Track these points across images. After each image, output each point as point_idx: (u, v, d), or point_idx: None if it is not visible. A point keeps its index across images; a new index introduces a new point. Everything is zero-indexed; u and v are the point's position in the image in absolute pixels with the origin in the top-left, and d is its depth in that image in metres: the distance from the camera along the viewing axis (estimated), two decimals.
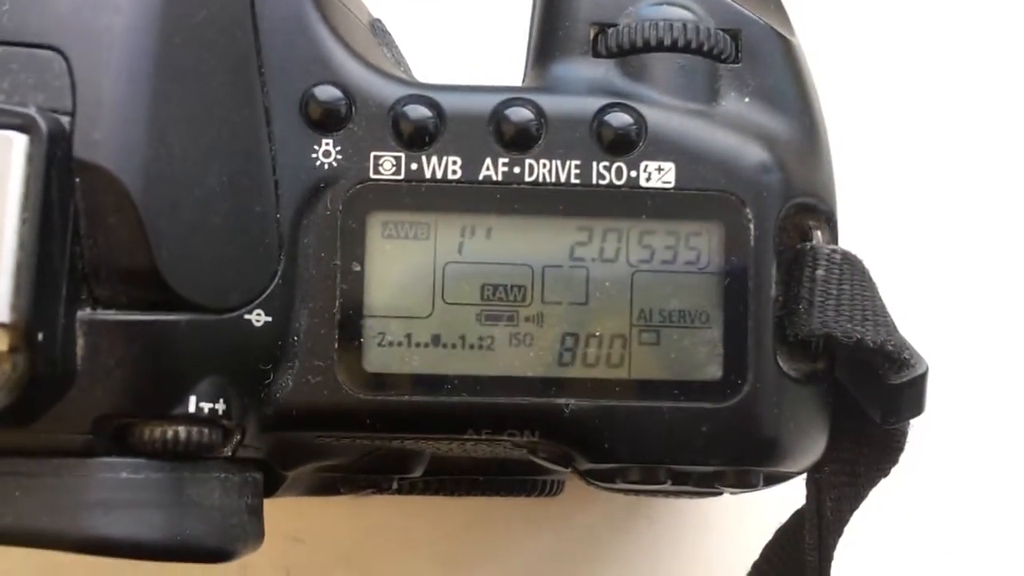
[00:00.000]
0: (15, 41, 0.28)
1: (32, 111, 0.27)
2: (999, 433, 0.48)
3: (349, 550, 0.47)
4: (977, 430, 0.47)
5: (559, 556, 0.48)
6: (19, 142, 0.27)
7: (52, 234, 0.27)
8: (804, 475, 0.34)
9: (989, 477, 0.47)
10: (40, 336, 0.27)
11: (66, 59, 0.28)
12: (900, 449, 0.35)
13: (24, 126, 0.27)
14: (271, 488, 0.34)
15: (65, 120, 0.28)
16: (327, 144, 0.32)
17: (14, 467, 0.28)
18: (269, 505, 0.33)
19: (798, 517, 0.38)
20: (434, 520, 0.47)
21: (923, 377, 0.33)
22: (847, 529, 0.35)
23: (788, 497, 0.36)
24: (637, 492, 0.34)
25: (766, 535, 0.38)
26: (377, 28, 0.37)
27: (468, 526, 0.47)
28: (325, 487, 0.39)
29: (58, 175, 0.27)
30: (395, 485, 0.38)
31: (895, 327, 0.33)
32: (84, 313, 0.29)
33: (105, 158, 0.28)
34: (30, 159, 0.27)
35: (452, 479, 0.41)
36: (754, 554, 0.38)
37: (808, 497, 0.36)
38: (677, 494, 0.35)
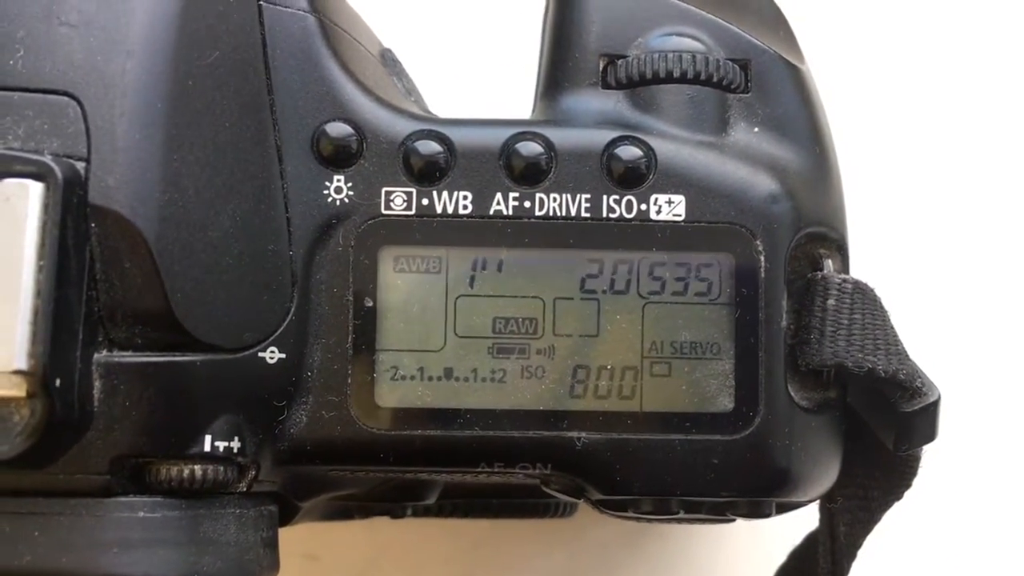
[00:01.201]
0: (30, 87, 0.28)
1: (48, 159, 0.27)
2: (1014, 458, 0.47)
3: (364, 568, 0.47)
4: (990, 455, 0.47)
5: (573, 573, 0.48)
6: (35, 190, 0.27)
7: (68, 280, 0.28)
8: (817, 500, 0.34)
9: (1003, 500, 0.47)
10: (57, 382, 0.27)
11: (80, 105, 0.28)
12: (913, 475, 0.35)
13: (40, 174, 0.27)
14: (286, 518, 0.35)
15: (80, 166, 0.28)
16: (339, 180, 0.32)
17: (33, 507, 0.29)
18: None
19: (811, 541, 0.38)
20: (449, 538, 0.47)
21: (935, 405, 0.33)
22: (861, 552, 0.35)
23: (802, 516, 0.36)
24: (650, 520, 0.34)
25: (779, 552, 0.38)
26: (387, 58, 0.37)
27: (482, 544, 0.47)
28: (339, 513, 0.39)
29: (74, 221, 0.28)
30: (409, 512, 0.38)
31: (907, 355, 0.33)
32: (101, 356, 0.29)
33: (120, 203, 0.28)
34: (46, 207, 0.27)
35: (465, 502, 0.41)
36: (767, 571, 0.38)
37: (821, 522, 0.36)
38: (690, 522, 0.35)
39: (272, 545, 0.32)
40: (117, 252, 0.28)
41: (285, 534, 0.36)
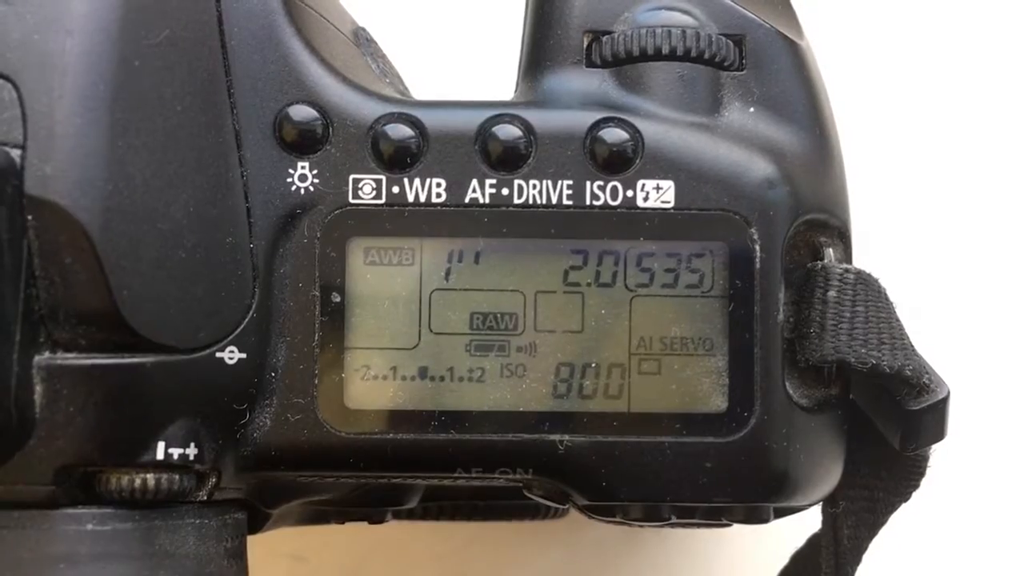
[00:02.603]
0: None
1: None
2: None
3: (354, 569, 0.46)
4: (1000, 453, 0.46)
5: (568, 573, 0.47)
6: None
7: (3, 277, 0.26)
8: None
9: (1014, 501, 0.46)
10: None
11: (15, 87, 0.27)
12: (921, 475, 0.33)
13: None
14: (256, 525, 0.33)
15: (15, 153, 0.26)
16: (303, 168, 0.30)
17: None
18: None
19: (814, 543, 0.37)
20: (440, 537, 0.46)
21: (944, 402, 0.31)
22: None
23: (807, 514, 0.34)
24: (640, 525, 0.33)
25: (782, 551, 0.37)
26: (361, 37, 0.35)
27: (475, 542, 0.46)
28: (316, 517, 0.38)
29: (8, 213, 0.26)
30: (389, 518, 0.37)
31: (913, 350, 0.31)
32: (42, 358, 0.27)
33: (59, 193, 0.27)
34: None
35: (451, 504, 0.40)
36: (769, 570, 0.37)
37: (824, 524, 0.35)
38: (683, 526, 0.34)
39: (238, 555, 0.31)
40: (57, 246, 0.27)
41: (271, 535, 0.35)
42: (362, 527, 0.43)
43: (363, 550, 0.46)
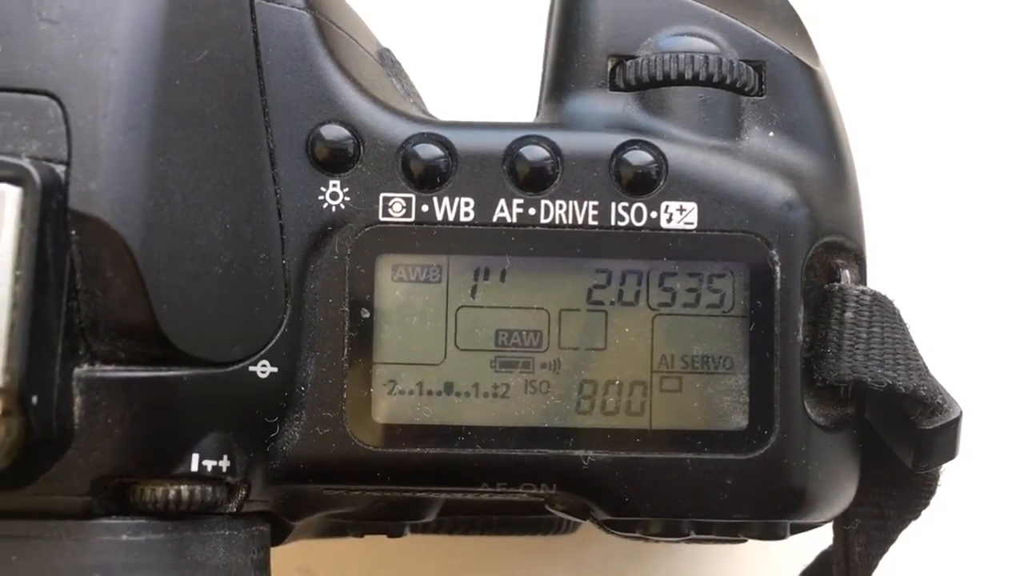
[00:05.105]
0: (8, 87, 0.27)
1: (25, 162, 0.26)
2: None
3: None
4: (1011, 472, 0.46)
5: None
6: (11, 195, 0.26)
7: (47, 291, 0.26)
8: None
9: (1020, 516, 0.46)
10: (35, 399, 0.26)
11: (61, 105, 0.27)
12: (932, 493, 0.34)
13: (17, 178, 0.26)
14: (279, 537, 0.33)
15: (60, 170, 0.27)
16: (335, 185, 0.31)
17: (9, 530, 0.27)
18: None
19: (824, 559, 0.37)
20: (449, 552, 0.46)
21: (957, 422, 0.32)
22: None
23: (816, 531, 0.34)
24: (658, 540, 0.33)
25: (789, 566, 0.37)
26: (386, 58, 0.36)
27: (484, 557, 0.46)
28: (334, 530, 0.38)
29: (52, 228, 0.26)
30: (407, 532, 0.37)
31: (927, 370, 0.32)
32: (81, 370, 0.28)
33: (102, 209, 0.27)
34: (23, 213, 0.26)
35: (466, 519, 0.40)
36: None
37: (835, 540, 0.35)
38: (700, 542, 0.34)
39: (263, 567, 0.31)
40: (99, 261, 0.27)
41: (279, 548, 0.35)
42: (370, 540, 0.43)
43: (370, 564, 0.46)
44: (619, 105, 0.32)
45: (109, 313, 0.28)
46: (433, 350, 0.31)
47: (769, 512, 0.31)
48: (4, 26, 0.27)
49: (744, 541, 0.33)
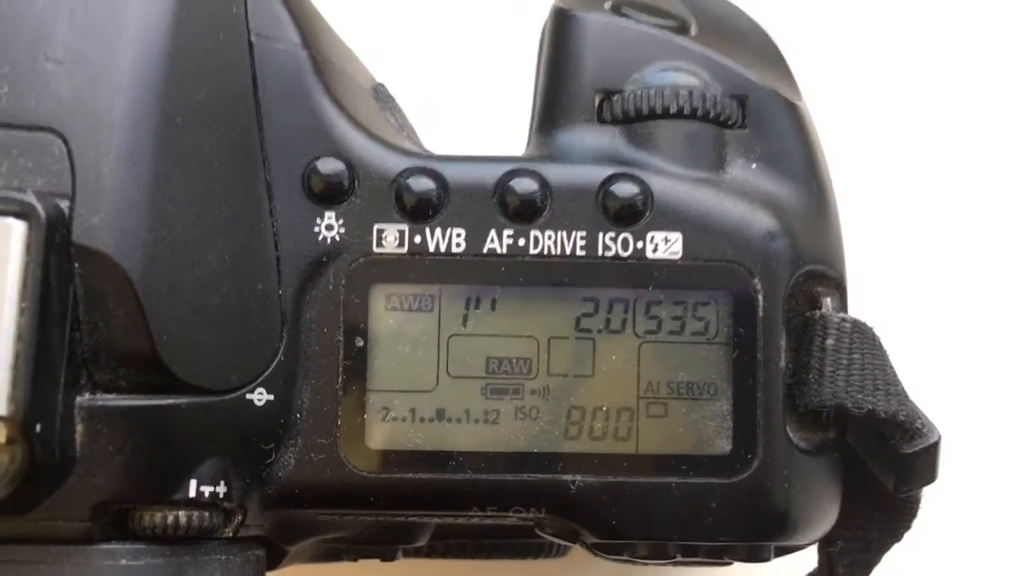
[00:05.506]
0: (14, 124, 0.28)
1: (30, 197, 0.27)
2: (1014, 499, 0.47)
3: None
4: (989, 495, 0.47)
5: None
6: (17, 229, 0.26)
7: (51, 322, 0.27)
8: None
9: (1003, 540, 0.47)
10: (38, 427, 0.26)
11: (66, 142, 0.28)
12: (913, 516, 0.34)
13: (22, 212, 0.26)
14: (274, 562, 0.34)
15: (64, 204, 0.27)
16: (330, 217, 0.31)
17: (11, 555, 0.28)
18: None
19: None
20: (443, 573, 0.46)
21: (936, 446, 0.32)
22: None
23: (802, 553, 0.35)
24: (645, 563, 0.34)
25: None
26: (380, 93, 0.37)
27: None
28: (328, 555, 0.38)
29: (57, 261, 0.27)
30: (400, 556, 0.37)
31: (907, 396, 0.32)
32: (83, 399, 0.28)
33: (105, 243, 0.28)
34: (28, 246, 0.26)
35: (458, 543, 0.40)
36: None
37: (820, 563, 0.35)
38: (687, 564, 0.35)
39: None
40: (101, 293, 0.28)
41: (274, 572, 0.35)
42: (359, 565, 0.43)
43: None
44: (606, 138, 0.33)
45: (111, 343, 0.28)
46: (425, 377, 0.31)
47: (753, 535, 0.32)
48: (10, 66, 0.28)
49: (730, 563, 0.34)
